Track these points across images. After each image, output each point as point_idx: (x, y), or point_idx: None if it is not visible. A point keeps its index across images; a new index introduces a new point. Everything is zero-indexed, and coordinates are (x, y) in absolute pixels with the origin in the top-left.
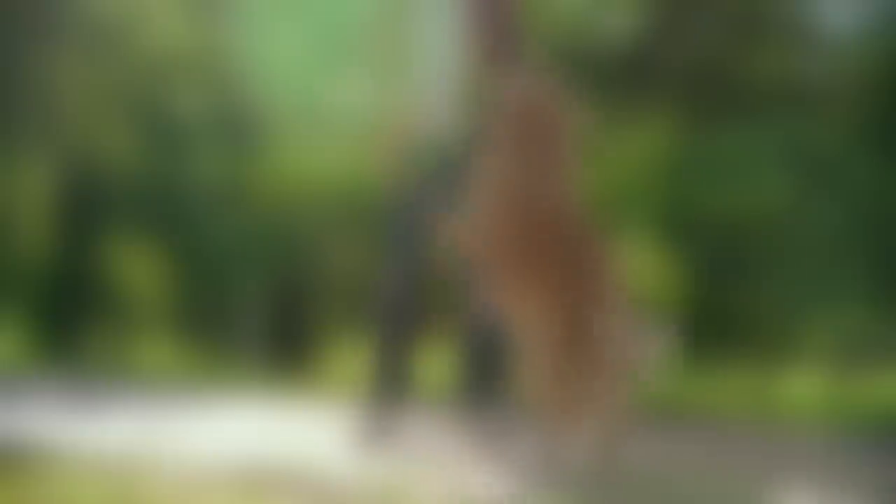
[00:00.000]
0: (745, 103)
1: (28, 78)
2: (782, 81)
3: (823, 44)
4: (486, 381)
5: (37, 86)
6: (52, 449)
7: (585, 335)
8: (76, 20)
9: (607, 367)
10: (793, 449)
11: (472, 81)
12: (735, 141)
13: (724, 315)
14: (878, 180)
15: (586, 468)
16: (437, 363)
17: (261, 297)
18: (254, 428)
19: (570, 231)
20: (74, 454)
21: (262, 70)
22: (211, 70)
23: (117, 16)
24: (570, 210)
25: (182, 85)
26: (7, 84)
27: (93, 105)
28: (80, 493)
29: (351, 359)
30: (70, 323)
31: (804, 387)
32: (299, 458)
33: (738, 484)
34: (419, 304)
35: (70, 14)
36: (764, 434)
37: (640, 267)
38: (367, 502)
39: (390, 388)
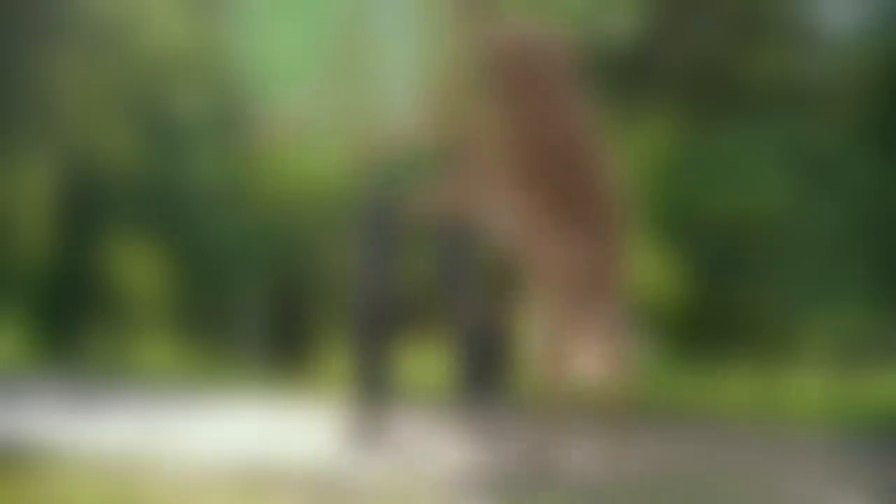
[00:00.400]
0: (745, 103)
1: (28, 78)
2: (782, 81)
3: (823, 44)
4: (482, 380)
5: (37, 86)
6: (52, 449)
7: (598, 267)
8: (76, 20)
9: (617, 301)
10: (793, 449)
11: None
12: (735, 141)
13: (724, 315)
14: (878, 180)
15: (585, 468)
16: (432, 363)
17: (261, 297)
18: (254, 428)
19: (583, 157)
20: (74, 454)
21: (263, 70)
22: (211, 70)
23: (117, 16)
24: (582, 139)
25: (182, 85)
26: (7, 84)
27: (93, 105)
28: (80, 493)
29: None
30: (70, 323)
31: (804, 387)
32: (300, 459)
33: (738, 484)
34: (400, 303)
35: (70, 14)
36: (764, 434)
37: (639, 267)
38: (367, 502)
39: (373, 389)
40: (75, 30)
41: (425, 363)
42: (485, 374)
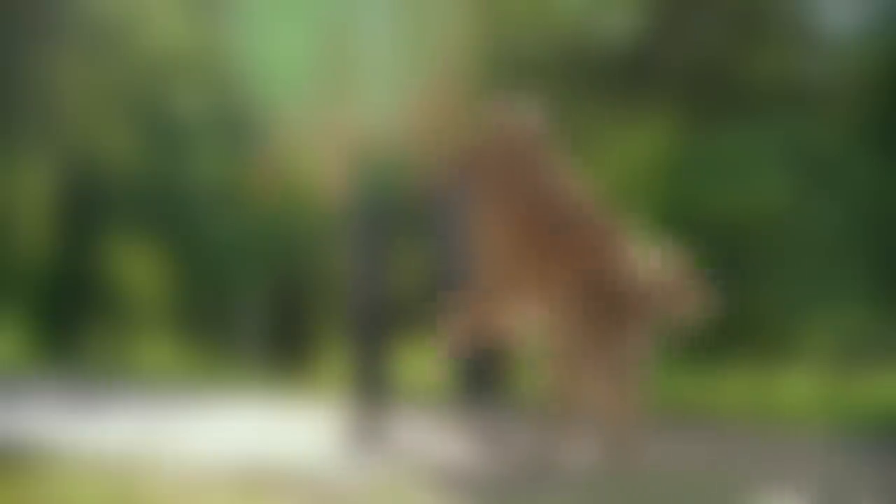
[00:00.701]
0: (745, 103)
1: (28, 78)
2: (782, 81)
3: (823, 44)
4: (481, 381)
5: (37, 86)
6: (52, 449)
7: (606, 335)
8: (76, 20)
9: (627, 366)
10: (793, 449)
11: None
12: (735, 141)
13: (724, 315)
14: (878, 180)
15: (585, 469)
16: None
17: (261, 297)
18: (254, 428)
19: (583, 226)
20: (74, 454)
21: (263, 70)
22: (211, 70)
23: (117, 16)
24: (580, 208)
25: (182, 85)
26: (7, 84)
27: (93, 105)
28: (80, 493)
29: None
30: (70, 323)
31: (804, 387)
32: (300, 459)
33: (738, 484)
34: (396, 303)
35: (70, 14)
36: (764, 434)
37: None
38: (362, 502)
39: (370, 389)
40: (75, 30)
41: (425, 363)
42: (484, 374)
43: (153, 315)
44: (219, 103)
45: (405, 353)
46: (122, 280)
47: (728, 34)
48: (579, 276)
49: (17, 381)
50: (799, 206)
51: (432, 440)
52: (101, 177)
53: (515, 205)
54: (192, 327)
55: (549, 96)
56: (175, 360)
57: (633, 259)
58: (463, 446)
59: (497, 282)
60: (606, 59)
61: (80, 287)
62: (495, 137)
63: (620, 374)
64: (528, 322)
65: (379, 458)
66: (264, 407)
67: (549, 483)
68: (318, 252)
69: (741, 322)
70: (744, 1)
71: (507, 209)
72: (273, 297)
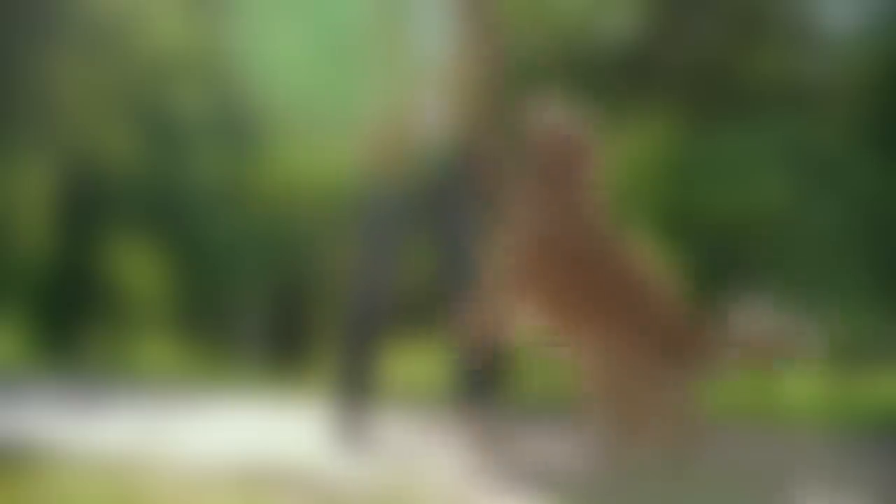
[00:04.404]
0: (745, 103)
1: (28, 78)
2: (782, 81)
3: (823, 44)
4: (481, 382)
5: (37, 86)
6: (52, 449)
7: (637, 364)
8: (76, 20)
9: (661, 393)
10: (793, 449)
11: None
12: (735, 141)
13: (724, 315)
14: (878, 180)
15: (584, 469)
16: (432, 365)
17: (261, 297)
18: (254, 428)
19: (608, 254)
20: (74, 454)
21: (262, 70)
22: (211, 70)
23: (117, 16)
24: (603, 234)
25: (182, 85)
26: (7, 84)
27: (93, 105)
28: (80, 493)
29: None
30: (70, 323)
31: (804, 387)
32: (300, 458)
33: (738, 484)
34: (392, 305)
35: (70, 14)
36: (764, 434)
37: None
38: (367, 502)
39: (356, 390)
40: (75, 30)
41: (425, 365)
42: (485, 376)
43: (153, 315)
44: (219, 103)
45: (408, 353)
46: (122, 280)
47: (728, 34)
48: (628, 312)
49: (17, 381)
50: (799, 206)
51: (423, 441)
52: (100, 176)
53: (553, 213)
54: (192, 327)
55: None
56: (175, 360)
57: (673, 297)
58: (456, 447)
59: (515, 287)
60: (607, 59)
61: (80, 287)
62: (547, 139)
63: (667, 409)
64: (531, 326)
65: (366, 459)
66: (264, 407)
67: (548, 484)
68: (317, 252)
69: None
70: (744, 1)
71: (545, 216)
72: (273, 297)
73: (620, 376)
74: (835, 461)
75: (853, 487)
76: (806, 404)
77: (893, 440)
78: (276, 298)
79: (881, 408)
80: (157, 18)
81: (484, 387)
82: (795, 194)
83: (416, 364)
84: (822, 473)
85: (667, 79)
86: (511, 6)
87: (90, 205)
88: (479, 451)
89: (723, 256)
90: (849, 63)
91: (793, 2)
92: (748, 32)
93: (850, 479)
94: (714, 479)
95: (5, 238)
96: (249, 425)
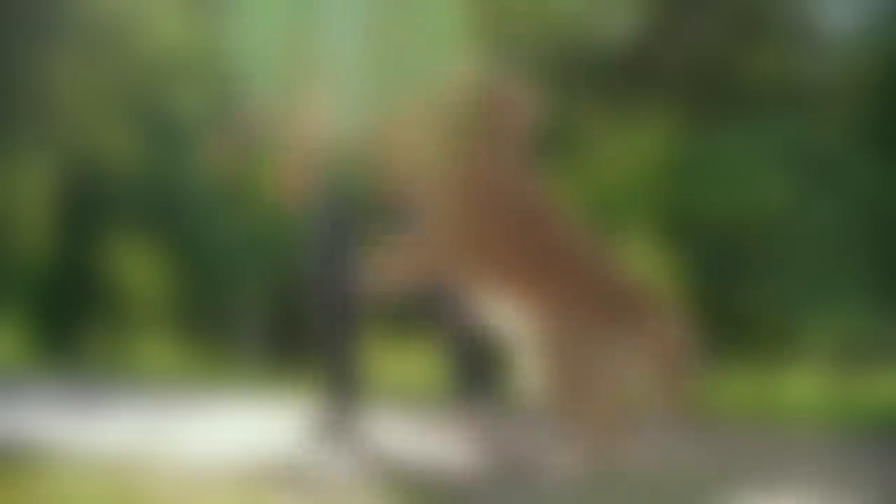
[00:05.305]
0: (745, 103)
1: (28, 78)
2: (782, 81)
3: (823, 44)
4: (476, 380)
5: (37, 86)
6: (52, 449)
7: (586, 338)
8: (76, 20)
9: (608, 374)
10: (793, 449)
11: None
12: (735, 141)
13: (724, 315)
14: (878, 180)
15: (582, 468)
16: (425, 363)
17: (261, 297)
18: (254, 427)
19: (555, 227)
20: (74, 454)
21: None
22: (211, 70)
23: (117, 16)
24: (547, 203)
25: (182, 85)
26: (7, 84)
27: (93, 105)
28: (80, 493)
29: None
30: (70, 323)
31: (804, 387)
32: (300, 458)
33: (738, 484)
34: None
35: (70, 14)
36: (764, 434)
37: (640, 267)
38: (367, 502)
39: (340, 388)
40: (75, 30)
41: (419, 364)
42: (478, 374)
43: (153, 315)
44: (219, 103)
45: (404, 352)
46: (122, 280)
47: (728, 34)
48: (567, 278)
49: (17, 381)
50: (799, 206)
51: (410, 439)
52: (100, 176)
53: (490, 175)
54: (192, 327)
55: (548, 96)
56: (175, 360)
57: (617, 265)
58: (448, 445)
59: (442, 235)
60: (606, 59)
61: (80, 287)
62: (489, 103)
63: (609, 378)
64: (517, 322)
65: (351, 456)
66: (264, 407)
67: (530, 483)
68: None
69: (741, 322)
70: (744, 1)
71: (480, 176)
72: (273, 297)
73: (566, 341)
74: (835, 461)
75: (853, 487)
76: (806, 404)
77: (893, 440)
78: (276, 298)
79: (881, 408)
80: (157, 18)
81: (481, 385)
82: (796, 194)
83: (412, 363)
84: (823, 473)
85: (667, 79)
86: (510, 6)
87: (90, 205)
88: (476, 449)
89: (723, 256)
90: (849, 63)
91: (793, 2)
92: (748, 32)
93: (851, 478)
94: (714, 479)
95: (5, 238)
96: (249, 425)
